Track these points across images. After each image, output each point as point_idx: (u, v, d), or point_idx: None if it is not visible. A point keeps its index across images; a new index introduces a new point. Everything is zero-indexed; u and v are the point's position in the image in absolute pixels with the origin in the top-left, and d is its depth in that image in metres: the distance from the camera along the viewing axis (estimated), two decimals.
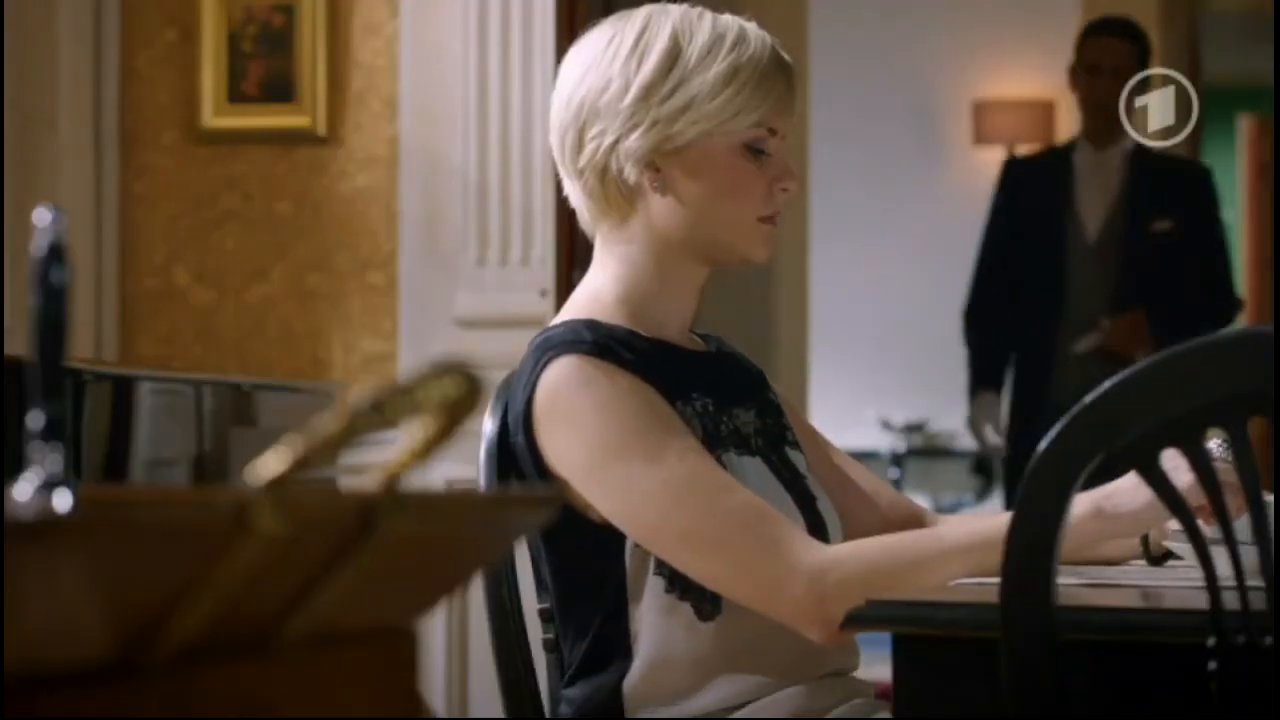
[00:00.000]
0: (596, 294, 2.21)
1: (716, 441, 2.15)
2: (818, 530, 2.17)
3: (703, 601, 2.12)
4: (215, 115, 4.78)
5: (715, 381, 2.22)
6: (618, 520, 2.10)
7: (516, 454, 2.15)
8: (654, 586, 2.12)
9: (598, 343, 2.12)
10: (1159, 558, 2.27)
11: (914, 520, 2.34)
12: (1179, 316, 5.22)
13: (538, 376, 2.12)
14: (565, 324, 2.17)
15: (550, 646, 2.26)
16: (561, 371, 2.11)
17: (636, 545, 2.12)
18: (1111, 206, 5.39)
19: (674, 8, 2.21)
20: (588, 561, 2.16)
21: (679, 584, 2.11)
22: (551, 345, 2.13)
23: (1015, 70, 8.53)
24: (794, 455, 2.26)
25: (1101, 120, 5.42)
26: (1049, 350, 5.37)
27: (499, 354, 3.64)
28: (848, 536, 2.23)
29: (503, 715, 2.33)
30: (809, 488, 2.23)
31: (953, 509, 8.16)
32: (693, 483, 2.07)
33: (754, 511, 2.08)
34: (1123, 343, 5.24)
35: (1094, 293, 5.35)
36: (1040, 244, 5.42)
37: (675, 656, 2.13)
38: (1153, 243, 5.32)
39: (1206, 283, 5.40)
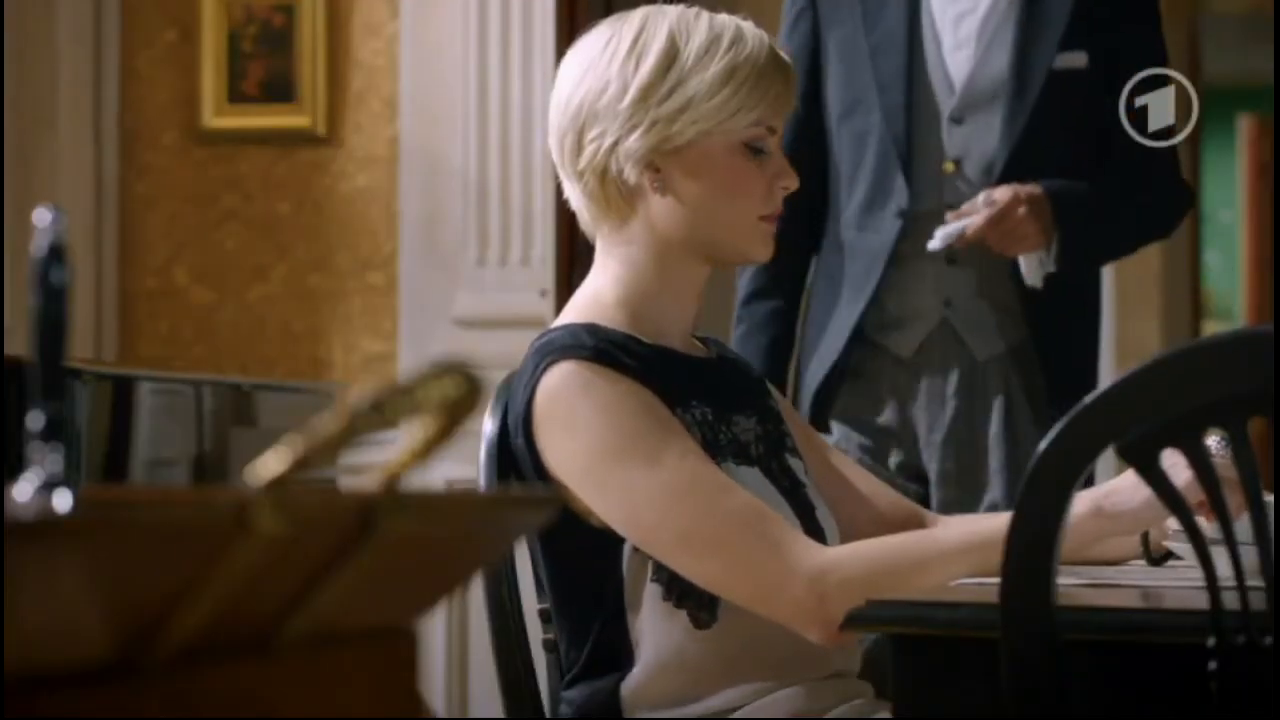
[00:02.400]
0: (597, 296, 2.21)
1: (715, 451, 2.15)
2: (816, 539, 2.17)
3: (699, 609, 2.11)
4: (215, 115, 4.79)
5: (715, 388, 2.22)
6: (617, 523, 2.10)
7: (516, 456, 2.15)
8: (652, 593, 2.12)
9: (598, 347, 2.12)
10: (1159, 558, 2.27)
11: (913, 520, 2.34)
12: (1099, 202, 3.31)
13: (537, 380, 2.12)
14: (565, 328, 2.17)
15: (550, 647, 2.26)
16: (561, 377, 2.11)
17: (634, 551, 2.12)
18: (988, 32, 3.31)
19: (671, 8, 2.21)
20: (585, 568, 2.15)
21: (676, 590, 2.11)
22: (551, 349, 2.13)
23: None
24: (793, 462, 2.26)
25: None
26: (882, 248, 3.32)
27: (499, 354, 3.64)
28: (845, 538, 2.23)
29: (503, 715, 2.33)
30: (808, 496, 2.23)
31: None
32: (692, 485, 2.07)
33: (754, 513, 2.08)
34: (1006, 235, 3.21)
35: (955, 175, 3.31)
36: (873, 96, 3.33)
37: (676, 661, 2.13)
38: (1058, 90, 3.29)
39: (1143, 156, 3.20)
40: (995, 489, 3.24)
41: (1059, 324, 3.30)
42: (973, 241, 3.19)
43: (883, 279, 3.28)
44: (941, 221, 3.24)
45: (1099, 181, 3.31)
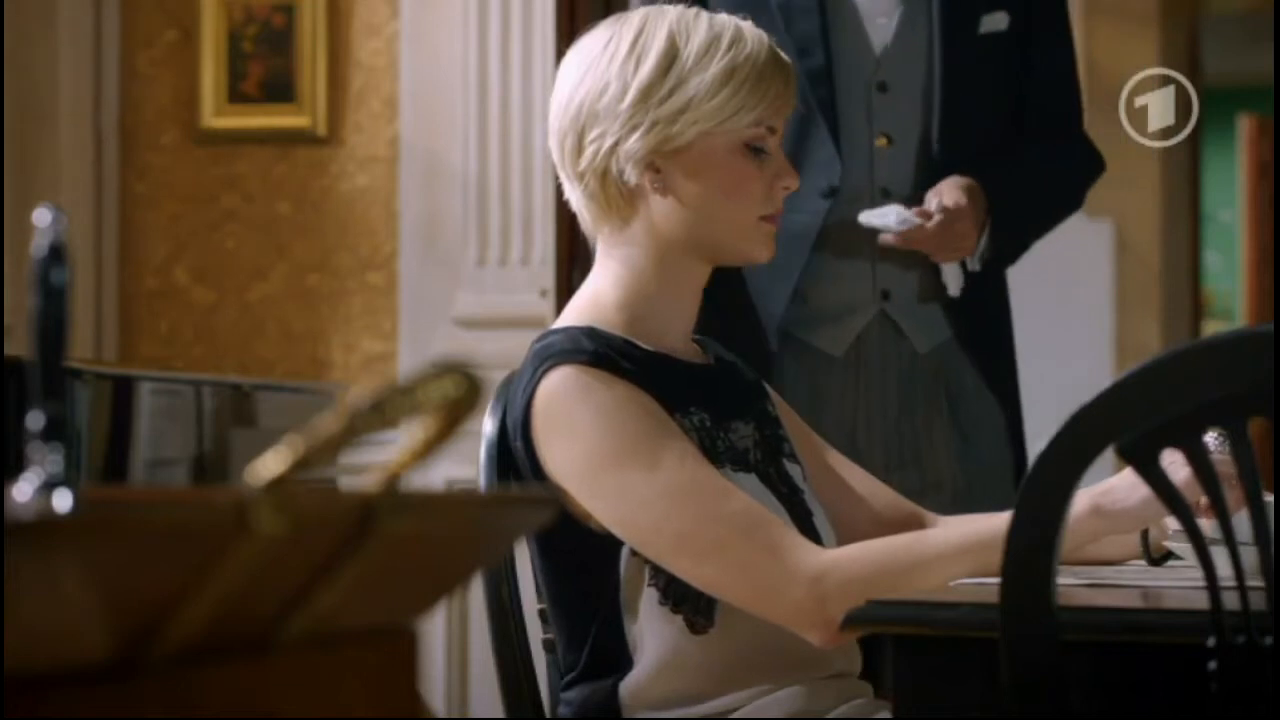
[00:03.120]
0: (597, 298, 2.21)
1: (713, 457, 2.14)
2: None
3: (696, 614, 2.11)
4: (215, 115, 4.79)
5: (713, 395, 2.21)
6: (617, 527, 2.10)
7: (516, 458, 2.15)
8: (649, 597, 2.12)
9: (597, 352, 2.12)
10: (1159, 558, 2.26)
11: (913, 520, 2.34)
12: (1023, 185, 3.08)
13: (536, 384, 2.11)
14: (565, 331, 2.16)
15: (550, 647, 2.26)
16: (559, 381, 2.10)
17: (632, 555, 2.12)
18: None
19: (670, 9, 2.21)
20: (583, 571, 2.15)
21: (672, 596, 2.11)
22: (550, 354, 2.13)
23: None
24: (791, 468, 2.25)
25: None
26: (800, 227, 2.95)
27: (499, 354, 3.65)
28: (844, 539, 2.22)
29: (503, 715, 2.33)
30: (805, 502, 2.23)
31: None
32: (691, 488, 2.07)
33: (753, 516, 2.07)
34: (949, 243, 2.96)
35: (887, 149, 3.01)
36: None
37: (675, 663, 2.12)
38: (983, 54, 3.03)
39: (1057, 121, 3.12)
40: (947, 490, 2.99)
41: (990, 308, 3.09)
42: (911, 245, 2.93)
43: (807, 268, 2.97)
44: (870, 203, 2.95)
45: (1018, 156, 3.07)
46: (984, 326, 3.08)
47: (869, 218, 2.94)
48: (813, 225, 2.96)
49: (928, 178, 2.98)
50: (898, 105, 3.00)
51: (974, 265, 3.02)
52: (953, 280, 3.02)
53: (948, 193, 2.94)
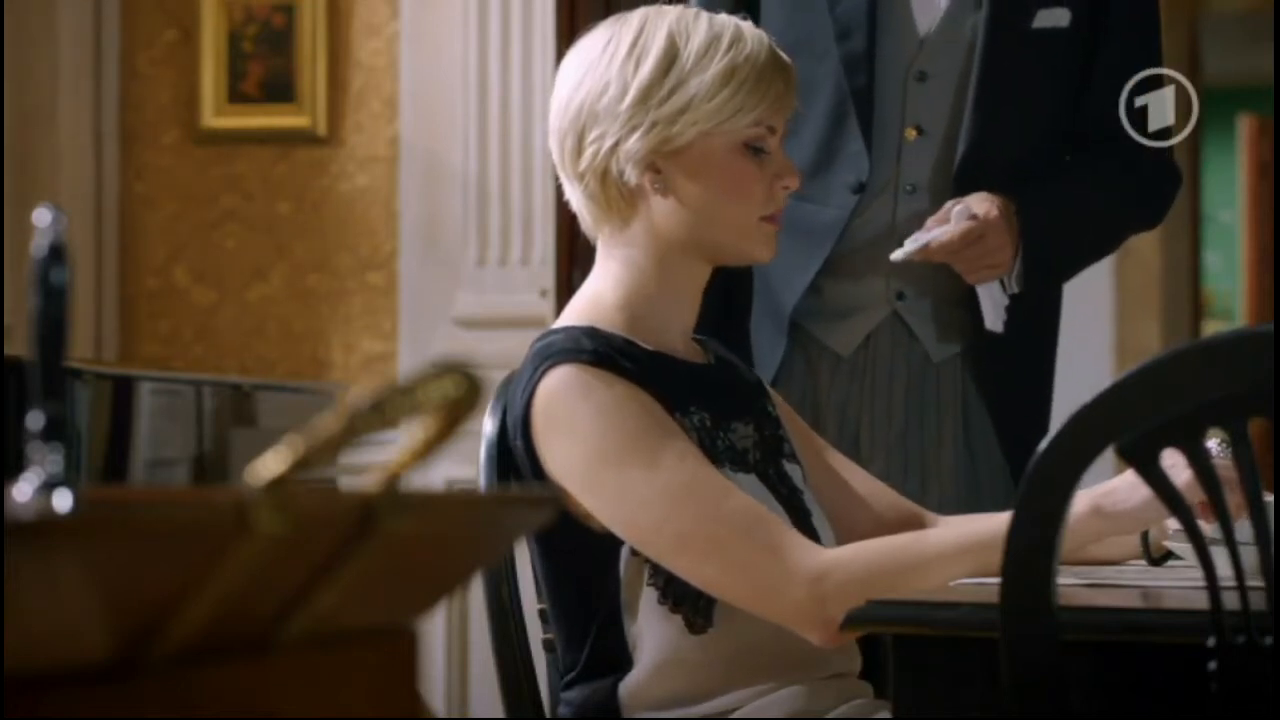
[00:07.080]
0: (597, 298, 2.21)
1: (713, 457, 2.14)
2: None
3: (695, 614, 2.11)
4: (215, 115, 4.79)
5: (714, 395, 2.21)
6: (617, 527, 2.10)
7: (516, 458, 2.15)
8: (649, 597, 2.12)
9: (597, 351, 2.12)
10: (1159, 558, 2.26)
11: (913, 521, 2.34)
12: (1072, 202, 2.85)
13: (536, 384, 2.11)
14: (565, 330, 2.17)
15: (550, 647, 2.26)
16: (559, 380, 2.10)
17: (632, 554, 2.12)
18: None
19: (670, 9, 2.21)
20: (582, 571, 2.15)
21: (671, 595, 2.11)
22: (550, 353, 2.13)
23: None
24: (790, 468, 2.25)
25: None
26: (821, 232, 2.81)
27: (499, 354, 3.65)
28: (844, 540, 2.22)
29: (503, 715, 2.33)
30: (805, 502, 2.23)
31: None
32: (691, 487, 2.07)
33: (753, 515, 2.07)
34: (980, 257, 2.73)
35: (916, 142, 2.82)
36: (828, 41, 2.80)
37: (674, 662, 2.12)
38: (1035, 51, 2.82)
39: (1116, 132, 2.79)
40: (950, 501, 2.75)
41: (1020, 319, 2.82)
42: (935, 258, 2.69)
43: (827, 262, 2.80)
44: (894, 198, 2.79)
45: (1075, 166, 2.86)
46: (1019, 331, 2.83)
47: (894, 255, 2.72)
48: (839, 220, 2.79)
49: (955, 176, 2.78)
50: (934, 96, 2.80)
51: (1012, 288, 2.79)
52: (991, 311, 2.78)
53: (976, 203, 2.71)
